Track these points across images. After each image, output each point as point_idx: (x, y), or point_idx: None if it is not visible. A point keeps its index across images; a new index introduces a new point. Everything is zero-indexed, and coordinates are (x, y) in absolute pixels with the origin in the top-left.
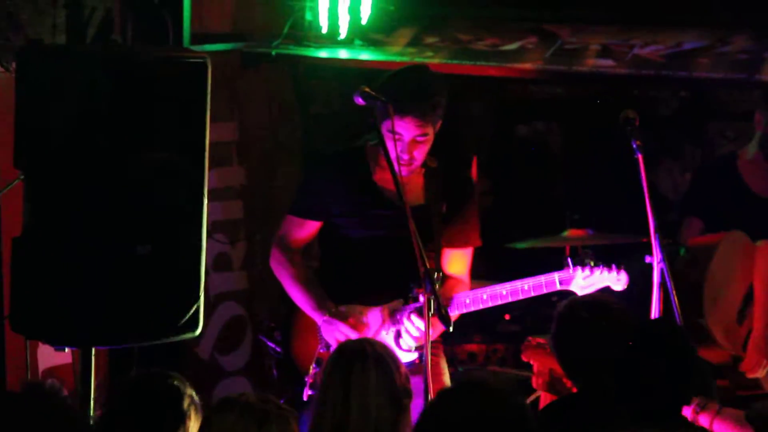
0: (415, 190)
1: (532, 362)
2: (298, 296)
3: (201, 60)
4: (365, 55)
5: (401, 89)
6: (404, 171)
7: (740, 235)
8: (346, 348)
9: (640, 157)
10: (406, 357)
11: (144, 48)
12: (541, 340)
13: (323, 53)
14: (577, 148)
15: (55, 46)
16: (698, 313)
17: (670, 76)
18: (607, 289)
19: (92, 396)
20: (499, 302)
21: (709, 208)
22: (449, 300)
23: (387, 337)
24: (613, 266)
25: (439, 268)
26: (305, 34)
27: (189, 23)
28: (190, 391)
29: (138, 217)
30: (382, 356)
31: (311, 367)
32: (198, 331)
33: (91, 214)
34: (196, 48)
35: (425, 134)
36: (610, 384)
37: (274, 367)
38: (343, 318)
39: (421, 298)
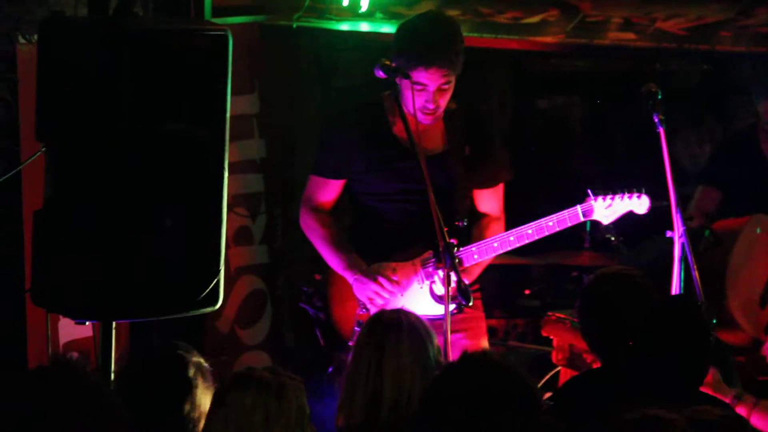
0: (435, 137)
1: (552, 337)
2: (330, 257)
3: (222, 32)
4: (386, 28)
5: (424, 41)
6: (428, 120)
7: (765, 219)
8: (380, 318)
9: (661, 130)
10: (442, 308)
11: (165, 20)
12: (561, 315)
13: (344, 26)
14: (598, 121)
15: (77, 18)
16: (720, 295)
17: (692, 49)
18: (630, 215)
19: (113, 369)
20: (526, 241)
21: (728, 179)
22: (497, 238)
23: (421, 290)
24: (634, 190)
25: (467, 215)
26: (326, 6)
27: None
28: (197, 359)
29: (159, 189)
30: (416, 327)
31: (353, 330)
32: (218, 305)
33: (112, 186)
34: (217, 21)
35: (449, 81)
36: (631, 359)
37: (319, 335)
38: (373, 276)
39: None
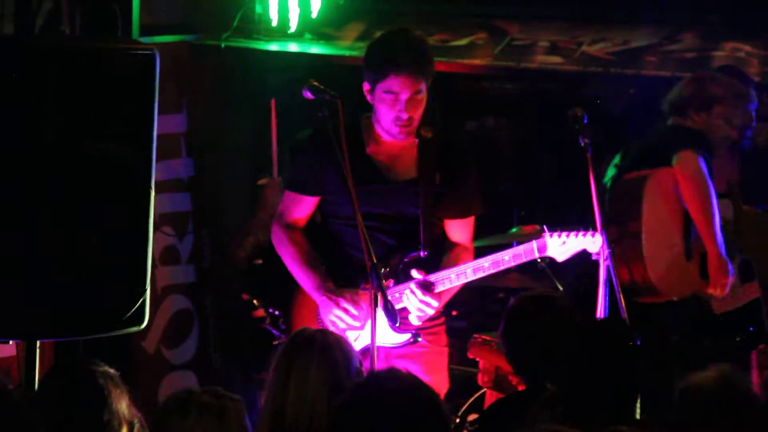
0: (407, 163)
1: (478, 359)
2: (299, 275)
3: (149, 52)
4: (315, 49)
5: (394, 49)
6: (403, 134)
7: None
8: (298, 335)
9: (588, 154)
10: (399, 338)
11: (92, 39)
12: (487, 337)
13: (273, 46)
14: (527, 143)
15: (2, 35)
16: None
17: (618, 73)
18: (584, 253)
19: (36, 388)
20: (482, 274)
21: None
22: (454, 270)
23: (384, 318)
24: (589, 229)
25: (427, 245)
26: (255, 26)
27: (138, 14)
28: (103, 368)
29: (84, 209)
30: (331, 347)
31: None
32: (144, 325)
33: (36, 206)
34: (145, 39)
35: (420, 91)
36: (556, 381)
37: None
38: (336, 300)
39: (415, 274)
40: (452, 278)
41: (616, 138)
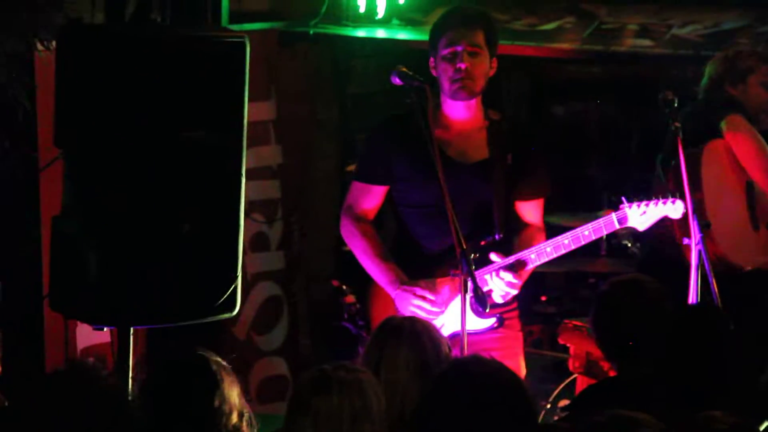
0: (478, 145)
1: (568, 345)
2: (371, 269)
3: (239, 39)
4: (403, 35)
5: (451, 11)
6: (463, 94)
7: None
8: (387, 323)
9: (678, 138)
10: (483, 323)
11: (182, 27)
12: (578, 322)
13: (361, 33)
14: (615, 127)
15: (94, 25)
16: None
17: (709, 56)
18: (665, 220)
19: (130, 375)
20: (563, 251)
21: None
22: (534, 249)
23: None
24: (668, 196)
25: (503, 228)
26: (343, 13)
27: (228, 2)
28: (216, 358)
29: (177, 196)
30: (419, 333)
31: None
32: (235, 311)
33: (129, 193)
34: (234, 27)
35: (476, 44)
36: (647, 367)
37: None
38: (413, 290)
39: (494, 258)
40: (532, 257)
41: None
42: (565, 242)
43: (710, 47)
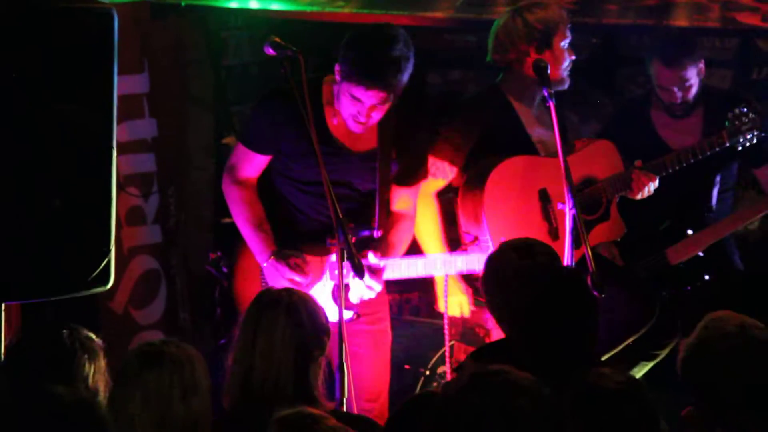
0: (367, 135)
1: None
2: (247, 235)
3: (107, 11)
4: (276, 5)
5: (371, 62)
6: (358, 129)
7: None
8: (264, 294)
9: (551, 104)
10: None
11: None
12: None
13: (233, 3)
14: None
15: None
16: None
17: (580, 23)
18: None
19: (2, 351)
20: (433, 273)
21: (621, 149)
22: (388, 244)
23: (324, 289)
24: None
25: (382, 224)
26: None
27: None
28: (83, 332)
29: (47, 171)
30: (297, 306)
31: None
32: (109, 285)
33: None
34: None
35: (386, 101)
36: (529, 331)
37: (217, 305)
38: (286, 261)
39: (372, 258)
40: (402, 268)
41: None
42: (438, 265)
43: (581, 14)
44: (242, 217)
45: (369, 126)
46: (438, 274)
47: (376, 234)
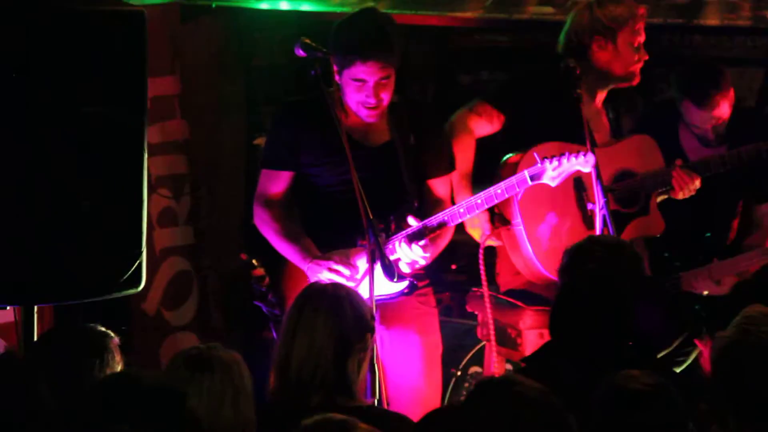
0: (380, 130)
1: (476, 312)
2: (284, 249)
3: (137, 13)
4: (306, 6)
5: (359, 35)
6: (372, 116)
7: None
8: (309, 288)
9: (581, 105)
10: (396, 287)
11: (79, 2)
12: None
13: (264, 5)
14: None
15: None
16: None
17: None
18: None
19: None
20: (477, 211)
21: None
22: (446, 212)
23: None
24: (580, 152)
25: (416, 197)
26: None
27: None
28: (106, 333)
29: (77, 172)
30: (339, 299)
31: None
32: (141, 287)
33: (31, 170)
34: (135, 2)
35: (388, 76)
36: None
37: (273, 329)
38: (326, 259)
39: (411, 221)
40: (446, 219)
41: None
42: (479, 201)
43: None
44: (275, 233)
45: (380, 111)
46: (481, 210)
47: (415, 204)
